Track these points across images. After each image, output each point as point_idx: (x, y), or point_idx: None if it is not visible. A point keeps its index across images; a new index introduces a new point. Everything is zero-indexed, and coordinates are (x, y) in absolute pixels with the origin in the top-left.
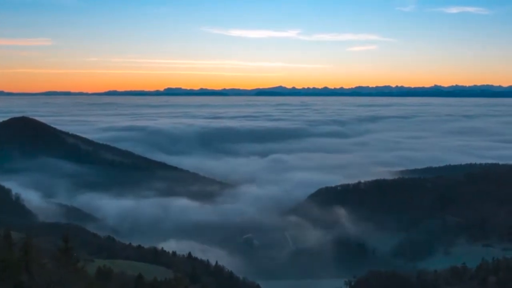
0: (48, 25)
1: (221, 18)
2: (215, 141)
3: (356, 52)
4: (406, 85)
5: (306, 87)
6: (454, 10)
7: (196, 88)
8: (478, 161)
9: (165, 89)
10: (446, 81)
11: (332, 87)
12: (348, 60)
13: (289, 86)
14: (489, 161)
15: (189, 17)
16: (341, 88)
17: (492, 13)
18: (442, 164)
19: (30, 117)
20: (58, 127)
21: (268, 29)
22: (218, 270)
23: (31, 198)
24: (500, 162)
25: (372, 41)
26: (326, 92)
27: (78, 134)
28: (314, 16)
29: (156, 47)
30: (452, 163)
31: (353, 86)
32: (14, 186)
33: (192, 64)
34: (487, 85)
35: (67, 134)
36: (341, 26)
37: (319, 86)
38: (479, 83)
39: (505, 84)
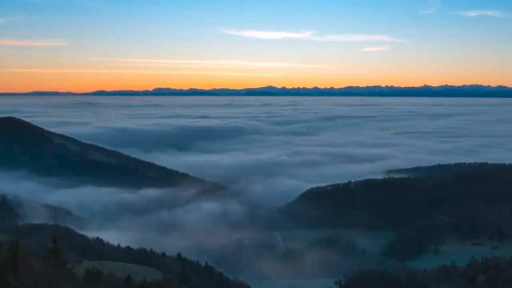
0: (44, 25)
1: (237, 19)
2: (194, 140)
3: (365, 53)
4: (396, 85)
5: (296, 87)
6: (473, 13)
7: (186, 88)
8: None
9: (154, 89)
10: (435, 81)
11: (323, 87)
12: (351, 60)
13: (279, 86)
14: (477, 160)
15: (203, 18)
16: (331, 88)
17: (504, 16)
18: (431, 164)
19: (17, 117)
20: (45, 127)
21: (283, 30)
22: (208, 270)
23: (18, 199)
24: (489, 162)
25: (384, 42)
26: (315, 92)
27: (65, 134)
28: (333, 17)
29: (156, 47)
30: (441, 163)
31: (343, 86)
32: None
33: (189, 64)
34: (476, 85)
35: (54, 134)
36: (358, 28)
37: (310, 86)
38: (468, 83)
39: (493, 84)
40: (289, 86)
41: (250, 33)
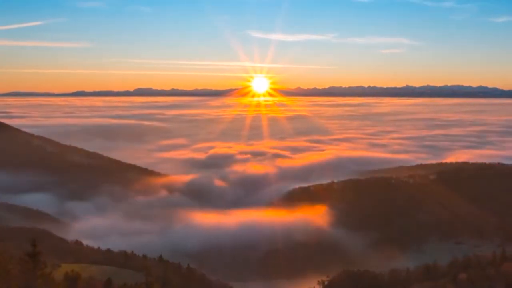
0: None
1: (264, 22)
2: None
3: (375, 55)
4: (378, 85)
5: (280, 87)
6: (502, 19)
7: (168, 88)
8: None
9: (135, 90)
10: (417, 81)
11: (305, 88)
12: (354, 61)
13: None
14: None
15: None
16: (314, 89)
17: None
18: (413, 164)
19: None
20: (23, 129)
21: (306, 33)
22: (190, 272)
23: None
24: (470, 161)
25: (400, 44)
26: (298, 92)
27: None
28: (355, 20)
29: (145, 48)
30: (423, 162)
31: (326, 87)
32: None
33: (184, 64)
34: (458, 86)
35: (31, 135)
36: (378, 31)
37: (293, 86)
38: (449, 83)
39: (474, 84)
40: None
41: (275, 36)
